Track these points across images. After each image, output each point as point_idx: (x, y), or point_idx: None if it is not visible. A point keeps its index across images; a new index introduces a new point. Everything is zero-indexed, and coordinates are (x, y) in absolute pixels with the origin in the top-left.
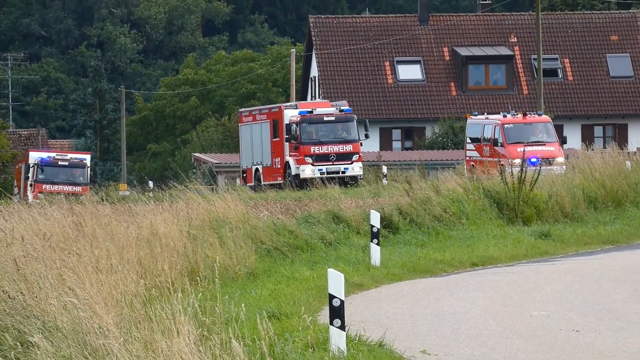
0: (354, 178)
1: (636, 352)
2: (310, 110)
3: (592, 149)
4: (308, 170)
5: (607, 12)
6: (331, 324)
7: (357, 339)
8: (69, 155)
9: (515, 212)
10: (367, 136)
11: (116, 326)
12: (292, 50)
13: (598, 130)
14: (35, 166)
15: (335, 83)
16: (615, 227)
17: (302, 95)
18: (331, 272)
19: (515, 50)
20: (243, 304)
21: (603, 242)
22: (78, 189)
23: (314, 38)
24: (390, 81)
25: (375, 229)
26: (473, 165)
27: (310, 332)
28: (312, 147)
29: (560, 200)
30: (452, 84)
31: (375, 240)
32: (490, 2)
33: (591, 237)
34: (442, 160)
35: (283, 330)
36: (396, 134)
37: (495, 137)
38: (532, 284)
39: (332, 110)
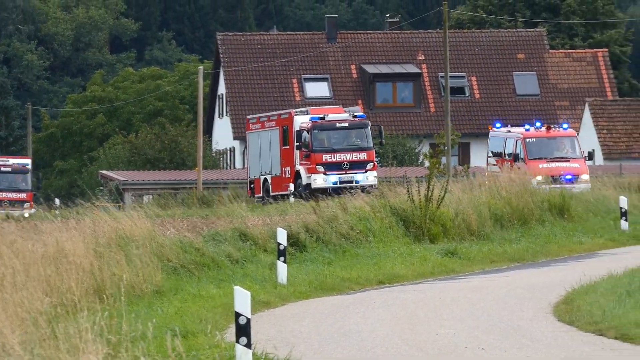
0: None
1: None
2: (322, 116)
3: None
4: (320, 180)
5: (514, 30)
6: (237, 342)
7: (263, 357)
8: (11, 161)
9: (422, 230)
10: (382, 143)
11: (20, 345)
12: (199, 67)
13: None
14: None
15: (243, 100)
16: (521, 245)
17: (209, 113)
18: (237, 289)
19: (422, 68)
20: (149, 322)
21: (509, 260)
22: (23, 195)
23: (221, 55)
24: (298, 98)
25: (282, 247)
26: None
27: (216, 350)
28: (324, 155)
29: (467, 218)
30: (360, 101)
31: (282, 258)
32: (398, 20)
33: (497, 255)
34: None
35: (189, 348)
36: None
37: (517, 151)
38: (438, 302)
39: (345, 116)
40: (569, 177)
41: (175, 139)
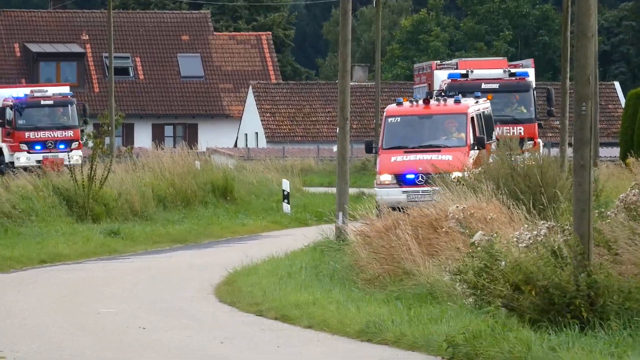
0: None
1: (200, 349)
2: (464, 72)
3: (163, 148)
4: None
5: (179, 12)
6: None
7: None
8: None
9: (85, 209)
10: (550, 113)
11: None
12: None
13: (169, 130)
14: (10, 108)
15: None
16: (184, 226)
17: None
18: None
19: (87, 48)
20: None
21: (172, 241)
22: (69, 133)
23: None
24: None
25: None
26: None
27: None
28: None
29: (130, 198)
30: (23, 80)
31: None
32: None
33: (160, 236)
34: None
35: None
36: None
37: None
38: (100, 282)
39: (498, 73)
40: (410, 176)
41: None
